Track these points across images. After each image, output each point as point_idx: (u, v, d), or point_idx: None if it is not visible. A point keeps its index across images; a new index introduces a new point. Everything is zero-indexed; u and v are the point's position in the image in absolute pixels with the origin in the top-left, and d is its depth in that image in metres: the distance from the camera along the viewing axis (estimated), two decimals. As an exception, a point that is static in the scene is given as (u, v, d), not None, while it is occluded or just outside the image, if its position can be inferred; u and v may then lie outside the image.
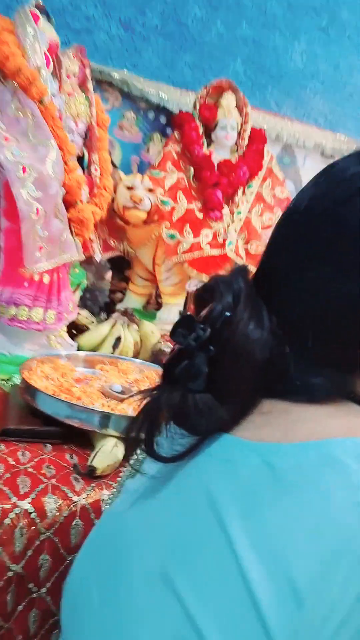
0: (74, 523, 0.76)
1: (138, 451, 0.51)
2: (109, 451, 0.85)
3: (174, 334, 0.47)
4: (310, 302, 0.46)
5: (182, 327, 0.47)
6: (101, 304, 1.76)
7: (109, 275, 1.79)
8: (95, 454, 0.84)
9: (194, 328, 0.46)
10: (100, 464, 0.83)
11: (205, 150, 1.65)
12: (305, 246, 0.47)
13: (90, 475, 0.82)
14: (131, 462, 0.54)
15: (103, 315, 1.49)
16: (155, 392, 0.49)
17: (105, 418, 0.90)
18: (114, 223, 1.59)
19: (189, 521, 0.43)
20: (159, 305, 1.79)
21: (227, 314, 0.46)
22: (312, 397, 0.45)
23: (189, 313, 0.49)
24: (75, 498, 0.77)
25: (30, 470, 0.81)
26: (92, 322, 1.40)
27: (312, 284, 0.46)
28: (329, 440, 0.40)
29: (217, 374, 0.45)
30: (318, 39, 2.07)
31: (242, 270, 0.51)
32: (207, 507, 0.42)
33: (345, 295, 0.44)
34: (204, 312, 0.47)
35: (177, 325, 0.47)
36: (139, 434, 0.49)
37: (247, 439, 0.45)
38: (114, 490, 0.70)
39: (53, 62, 1.18)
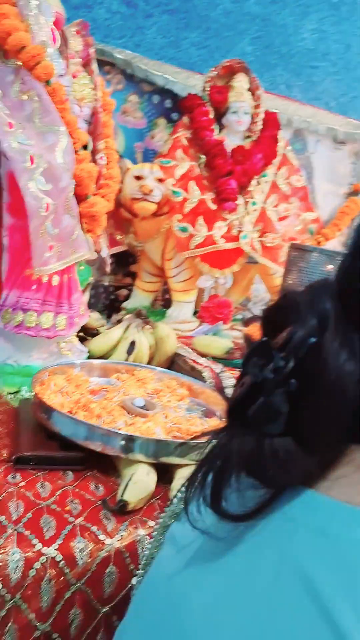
0: (107, 571, 0.66)
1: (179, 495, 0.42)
2: (141, 481, 0.75)
3: (248, 363, 0.38)
4: None
5: (257, 356, 0.37)
6: (105, 301, 1.65)
7: (109, 268, 1.68)
8: (126, 486, 0.74)
9: (271, 357, 0.36)
10: (132, 498, 0.73)
11: (217, 136, 1.53)
12: None
13: (121, 511, 0.72)
14: (172, 506, 0.45)
15: (114, 317, 1.38)
16: (222, 435, 0.39)
17: (130, 441, 0.80)
18: (118, 215, 1.47)
19: (283, 615, 0.33)
20: (165, 302, 1.69)
21: (312, 340, 0.36)
22: None
23: (264, 338, 0.40)
24: (107, 541, 0.67)
25: (53, 507, 0.71)
26: (103, 325, 1.29)
27: None
28: None
29: (300, 414, 0.36)
30: (330, 16, 1.95)
31: (326, 285, 0.41)
32: (306, 598, 0.32)
33: None
34: (280, 337, 0.38)
35: (251, 353, 0.38)
36: (203, 486, 0.39)
37: (342, 502, 0.35)
38: (155, 533, 0.60)
39: (60, 38, 1.05)
